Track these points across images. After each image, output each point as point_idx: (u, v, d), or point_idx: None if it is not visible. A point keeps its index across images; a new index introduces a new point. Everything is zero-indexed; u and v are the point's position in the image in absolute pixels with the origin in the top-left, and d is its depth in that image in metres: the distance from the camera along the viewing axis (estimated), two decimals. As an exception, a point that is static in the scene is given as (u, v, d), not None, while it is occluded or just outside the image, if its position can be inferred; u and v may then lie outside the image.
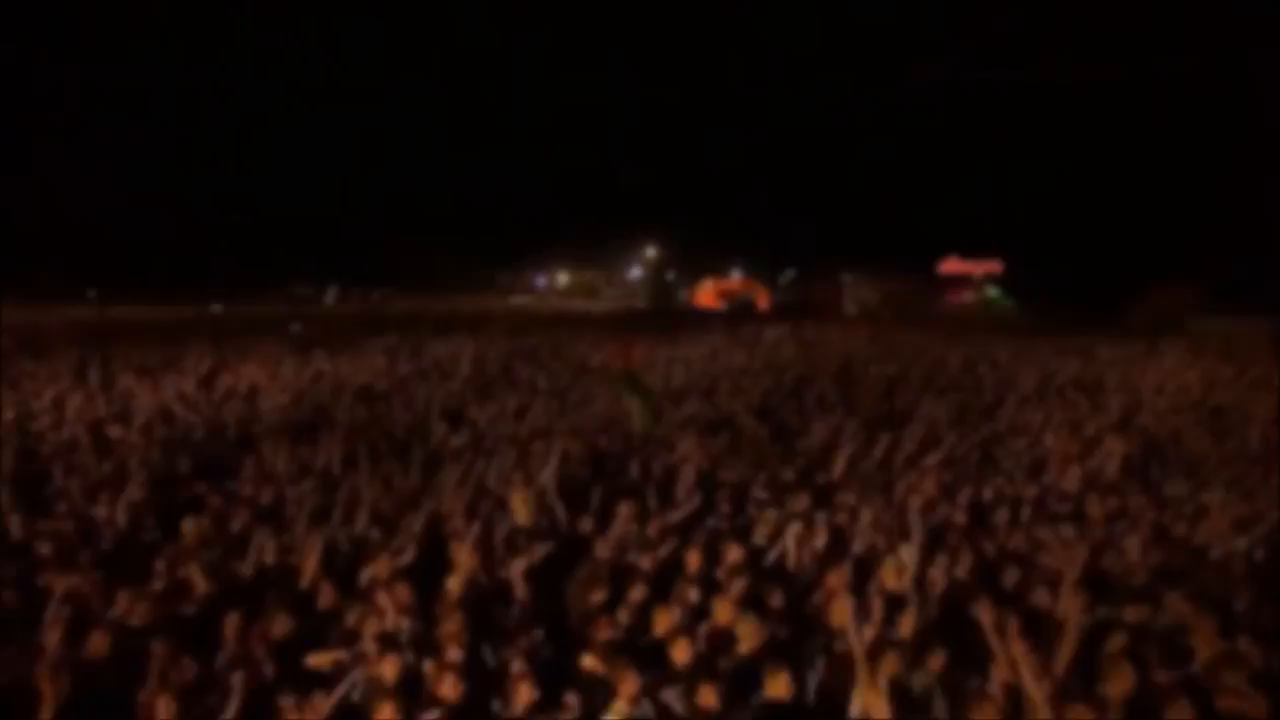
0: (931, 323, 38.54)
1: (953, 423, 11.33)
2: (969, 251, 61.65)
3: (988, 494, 7.63)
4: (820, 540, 6.16)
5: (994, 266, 60.81)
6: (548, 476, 6.96)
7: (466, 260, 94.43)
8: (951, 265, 63.01)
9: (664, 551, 6.08)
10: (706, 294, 69.89)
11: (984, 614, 4.09)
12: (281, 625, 4.53)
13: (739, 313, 53.73)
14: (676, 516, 6.67)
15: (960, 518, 6.90)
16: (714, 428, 10.86)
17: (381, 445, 8.95)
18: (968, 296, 61.48)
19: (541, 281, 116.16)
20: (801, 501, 7.34)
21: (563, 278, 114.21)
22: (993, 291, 61.70)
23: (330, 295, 76.13)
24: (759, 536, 6.78)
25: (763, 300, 67.88)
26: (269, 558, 5.57)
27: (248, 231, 75.96)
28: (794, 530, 5.99)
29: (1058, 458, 9.35)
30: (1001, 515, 7.02)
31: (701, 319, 36.75)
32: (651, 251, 69.31)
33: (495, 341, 21.85)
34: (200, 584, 4.96)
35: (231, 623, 4.40)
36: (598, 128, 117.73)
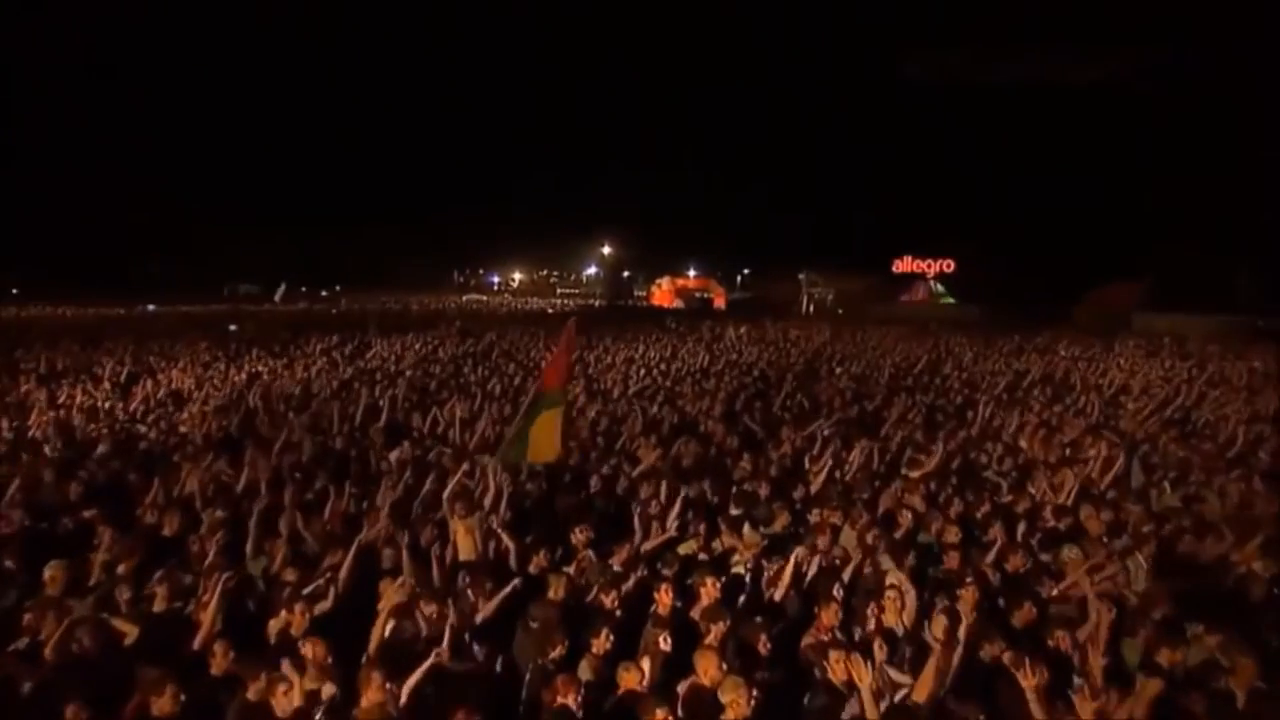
0: (887, 321, 38.54)
1: (926, 426, 10.85)
2: (922, 250, 62.17)
3: (981, 508, 7.05)
4: (809, 568, 5.49)
5: (947, 265, 61.43)
6: (496, 500, 6.15)
7: (420, 258, 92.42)
8: (905, 264, 63.48)
9: (630, 586, 5.35)
10: (663, 292, 69.40)
11: (1024, 678, 3.43)
12: (162, 704, 3.65)
13: (697, 311, 53.36)
14: (643, 545, 5.92)
15: (953, 536, 6.29)
16: (679, 434, 10.17)
17: (312, 462, 8.01)
18: (920, 294, 62.08)
19: (495, 280, 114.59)
20: (780, 519, 6.68)
21: (517, 276, 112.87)
22: (937, 288, 62.42)
23: (279, 294, 73.55)
24: (737, 564, 6.10)
25: (720, 299, 67.63)
26: (159, 606, 4.66)
27: (192, 227, 72.75)
28: (780, 566, 5.32)
29: (1041, 465, 8.90)
30: (995, 532, 6.44)
31: (659, 317, 36.08)
32: (607, 249, 68.31)
33: (446, 341, 20.85)
34: (49, 650, 4.01)
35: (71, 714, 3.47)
36: (553, 125, 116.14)
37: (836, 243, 70.10)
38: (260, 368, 14.99)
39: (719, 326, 27.63)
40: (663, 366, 15.80)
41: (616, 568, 5.59)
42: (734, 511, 6.90)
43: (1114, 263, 53.03)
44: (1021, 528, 6.46)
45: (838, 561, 5.83)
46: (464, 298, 72.24)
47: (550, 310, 48.56)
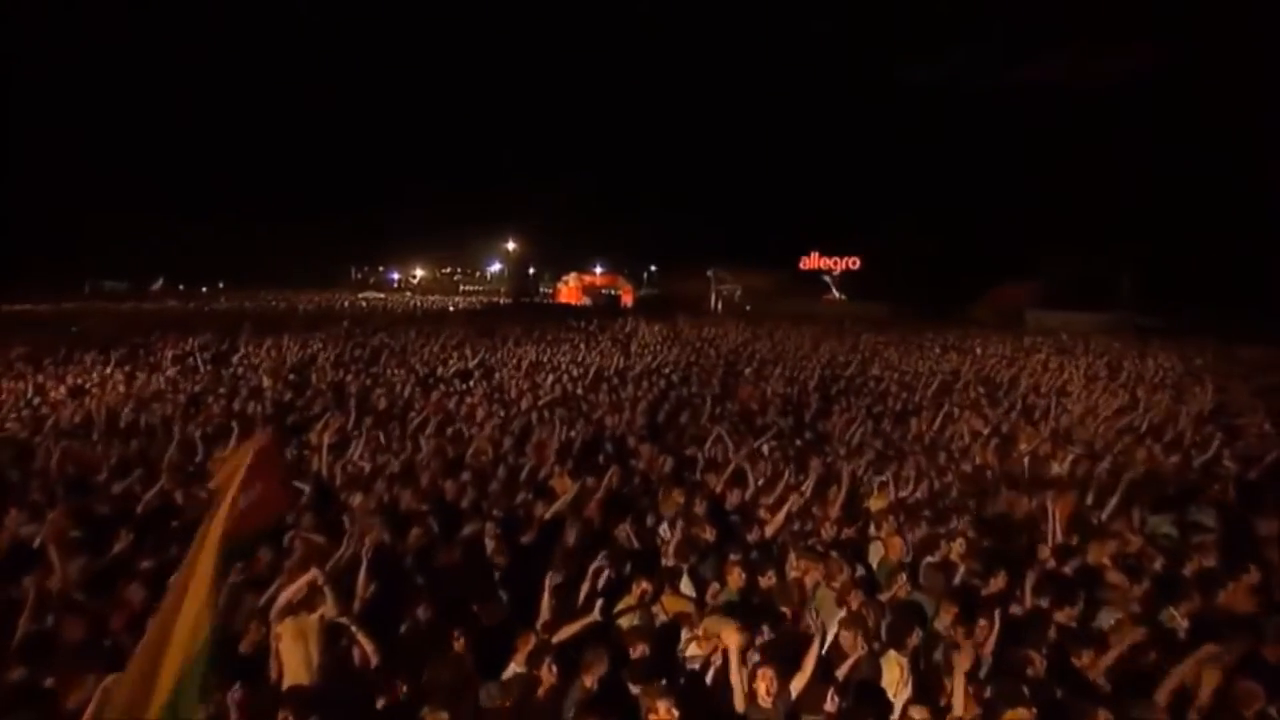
0: (795, 318, 38.17)
1: (873, 436, 9.72)
2: (829, 248, 62.80)
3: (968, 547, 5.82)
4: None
5: (853, 263, 62.22)
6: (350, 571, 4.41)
7: (316, 254, 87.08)
8: (812, 261, 63.97)
9: (543, 696, 3.77)
10: (570, 290, 67.54)
11: None
12: None
13: (605, 309, 51.89)
14: (560, 632, 4.32)
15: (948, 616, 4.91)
16: (596, 454, 8.63)
17: (102, 514, 5.99)
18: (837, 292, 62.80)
19: (395, 277, 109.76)
20: (733, 575, 5.22)
21: (419, 272, 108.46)
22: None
23: (155, 290, 67.28)
24: (686, 646, 4.62)
25: (628, 296, 66.35)
26: None
27: (56, 218, 65.57)
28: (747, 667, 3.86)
29: (1001, 479, 7.88)
30: (998, 584, 5.21)
31: (566, 315, 34.32)
32: (512, 245, 65.85)
33: (332, 342, 18.51)
34: None
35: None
36: (457, 119, 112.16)
37: (743, 239, 70.22)
38: (87, 379, 12.45)
39: (630, 325, 26.17)
40: (574, 371, 14.17)
41: (516, 671, 4.00)
42: (672, 564, 5.43)
43: (1007, 263, 54.93)
44: (1030, 578, 5.21)
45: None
46: (360, 295, 68.22)
47: (452, 308, 45.97)
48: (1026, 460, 8.62)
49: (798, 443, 9.46)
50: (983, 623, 4.57)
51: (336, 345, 17.67)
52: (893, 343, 22.69)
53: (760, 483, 7.24)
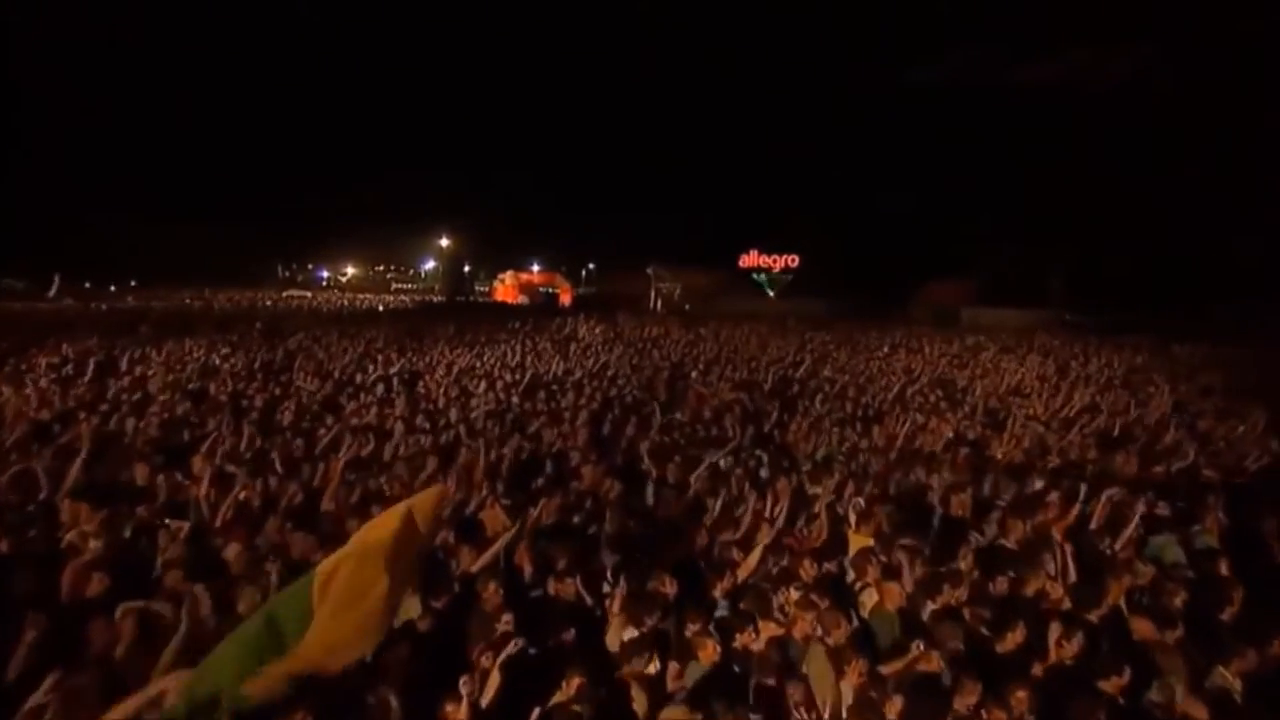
0: (738, 316, 37.67)
1: (841, 448, 8.91)
2: (768, 246, 62.73)
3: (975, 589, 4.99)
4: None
5: (791, 260, 62.29)
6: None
7: (239, 250, 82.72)
8: (751, 259, 63.82)
9: None
10: (507, 288, 65.80)
11: None
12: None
13: (543, 308, 50.59)
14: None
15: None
16: (534, 476, 7.56)
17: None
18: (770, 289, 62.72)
19: (325, 274, 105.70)
20: (706, 650, 4.23)
21: (350, 270, 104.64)
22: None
23: (53, 289, 62.51)
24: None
25: (566, 295, 65.05)
26: None
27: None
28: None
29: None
30: (1016, 637, 4.38)
31: (503, 314, 32.94)
32: (445, 242, 63.72)
33: (241, 347, 16.82)
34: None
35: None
36: (392, 113, 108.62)
37: (682, 237, 69.80)
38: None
39: (569, 325, 25.02)
40: (508, 377, 12.99)
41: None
42: (628, 636, 4.40)
43: (942, 261, 55.86)
44: (1055, 631, 4.38)
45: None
46: (284, 294, 65.03)
47: (382, 308, 43.95)
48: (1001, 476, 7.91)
49: (759, 455, 8.59)
50: (1019, 694, 3.72)
51: (246, 349, 16.04)
52: (839, 342, 22.20)
53: (721, 510, 6.29)
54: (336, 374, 13.02)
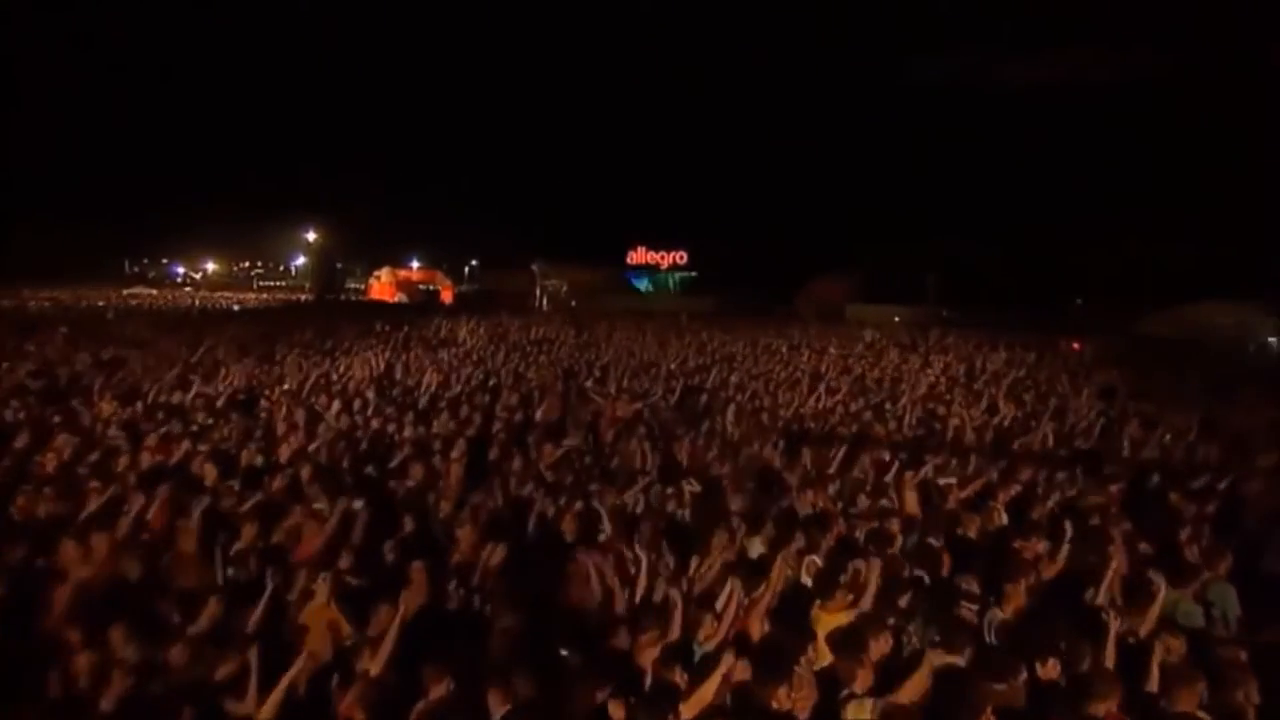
0: (629, 314, 36.38)
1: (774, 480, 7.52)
2: (656, 242, 61.97)
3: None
4: None
5: (680, 257, 61.79)
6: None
7: (83, 245, 73.75)
8: (639, 255, 62.90)
9: None
10: (383, 286, 61.72)
11: None
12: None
13: (422, 306, 47.51)
14: None
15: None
16: (391, 533, 5.75)
17: None
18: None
19: (180, 271, 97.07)
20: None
21: (210, 266, 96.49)
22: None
23: None
24: None
25: (448, 293, 61.81)
26: None
27: None
28: None
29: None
30: None
31: (375, 315, 30.00)
32: (312, 236, 58.97)
33: (32, 359, 13.77)
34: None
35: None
36: (256, 97, 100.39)
37: (568, 233, 68.13)
38: None
39: (449, 326, 22.67)
40: (370, 395, 10.86)
41: None
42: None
43: (825, 257, 56.80)
44: None
45: None
46: (126, 292, 58.37)
47: (237, 307, 39.76)
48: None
49: (676, 492, 7.08)
50: None
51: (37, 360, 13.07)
52: (737, 341, 21.13)
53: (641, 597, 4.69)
54: (150, 394, 10.48)
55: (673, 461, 8.26)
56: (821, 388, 12.20)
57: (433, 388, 11.41)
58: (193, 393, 10.42)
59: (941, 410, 11.41)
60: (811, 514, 6.34)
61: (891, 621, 4.31)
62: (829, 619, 4.42)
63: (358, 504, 6.08)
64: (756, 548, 5.98)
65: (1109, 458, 8.85)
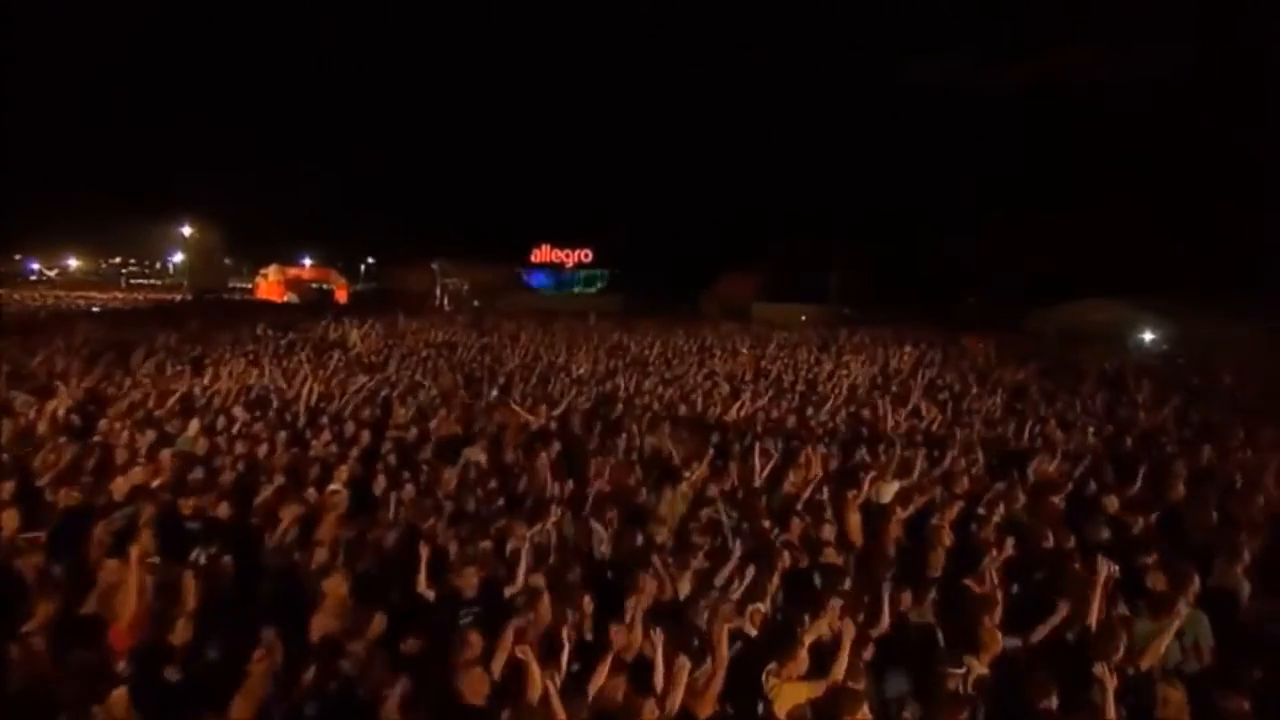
0: (533, 314, 35.24)
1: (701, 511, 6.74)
2: (560, 240, 60.79)
3: None
4: None
5: (585, 255, 60.82)
6: None
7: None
8: (544, 254, 61.55)
9: None
10: (271, 285, 57.88)
11: None
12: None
13: (313, 307, 44.66)
14: None
15: None
16: (250, 604, 4.62)
17: None
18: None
19: (35, 267, 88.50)
20: None
21: (73, 262, 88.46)
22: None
23: None
24: None
25: (342, 292, 58.64)
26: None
27: None
28: None
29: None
30: None
31: (260, 315, 27.61)
32: (188, 231, 54.59)
33: None
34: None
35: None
36: (125, 79, 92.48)
37: (470, 230, 66.14)
38: None
39: (340, 329, 20.93)
40: (238, 413, 9.43)
41: None
42: None
43: (731, 255, 57.16)
44: None
45: None
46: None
47: (96, 308, 36.11)
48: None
49: (593, 528, 6.22)
50: None
51: None
52: (647, 343, 20.41)
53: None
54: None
55: (584, 487, 7.37)
56: (745, 396, 11.52)
57: (314, 401, 10.07)
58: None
59: (866, 414, 11.02)
60: (751, 548, 5.59)
61: (867, 693, 3.58)
62: (790, 692, 3.65)
63: (203, 555, 4.92)
64: (689, 590, 5.22)
65: (1036, 462, 8.56)
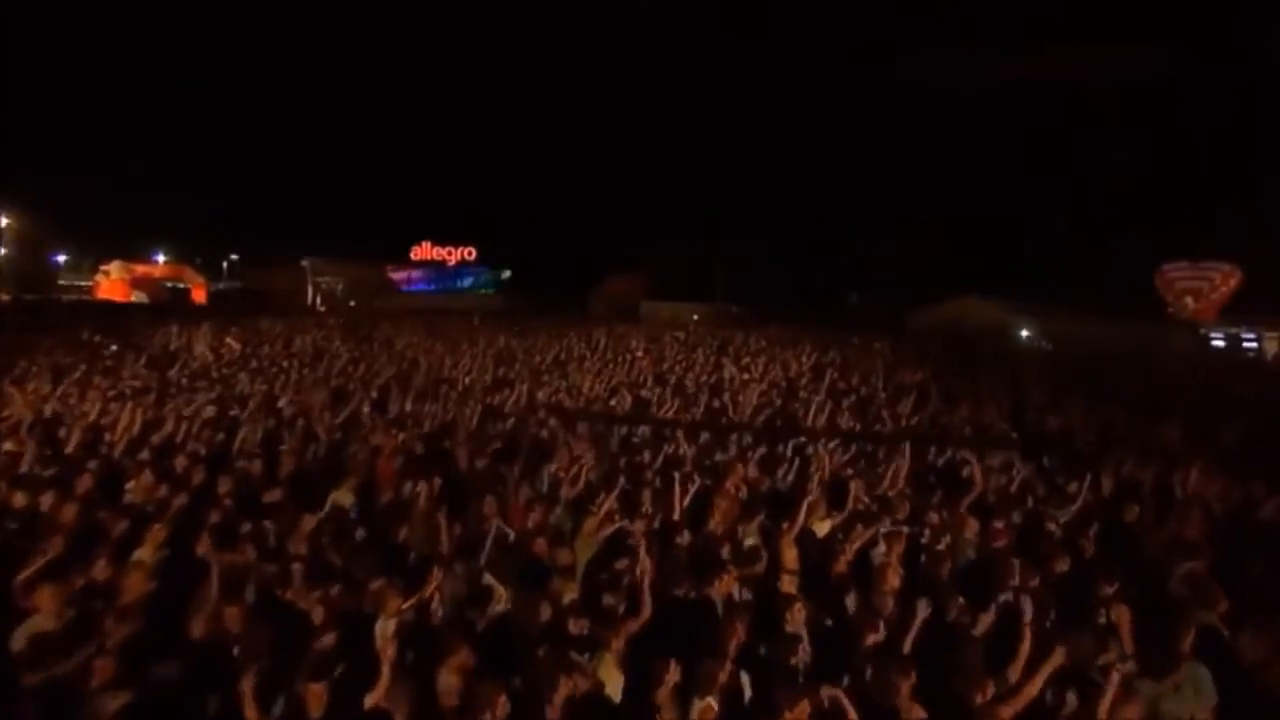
0: (415, 315, 33.19)
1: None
2: (442, 237, 58.31)
3: None
4: None
5: (469, 253, 58.60)
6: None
7: None
8: (424, 252, 58.85)
9: None
10: (114, 283, 52.07)
11: None
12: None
13: (166, 308, 40.37)
14: None
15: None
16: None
17: None
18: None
19: None
20: None
21: None
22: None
23: None
24: None
25: (199, 291, 53.66)
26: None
27: None
28: None
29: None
30: None
31: (93, 319, 24.11)
32: (4, 221, 48.21)
33: None
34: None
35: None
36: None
37: (346, 225, 62.40)
38: None
39: (185, 335, 18.21)
40: (31, 447, 7.50)
41: None
42: None
43: (617, 255, 56.58)
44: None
45: None
46: None
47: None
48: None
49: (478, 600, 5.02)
50: None
51: None
52: (538, 347, 19.12)
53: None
54: None
55: (480, 523, 6.12)
56: (652, 408, 10.46)
57: (134, 431, 8.20)
58: None
59: (779, 422, 10.24)
60: (689, 616, 4.53)
61: None
62: None
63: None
64: (613, 676, 4.12)
65: (966, 478, 7.97)
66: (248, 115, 72.11)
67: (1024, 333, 30.36)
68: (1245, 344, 33.95)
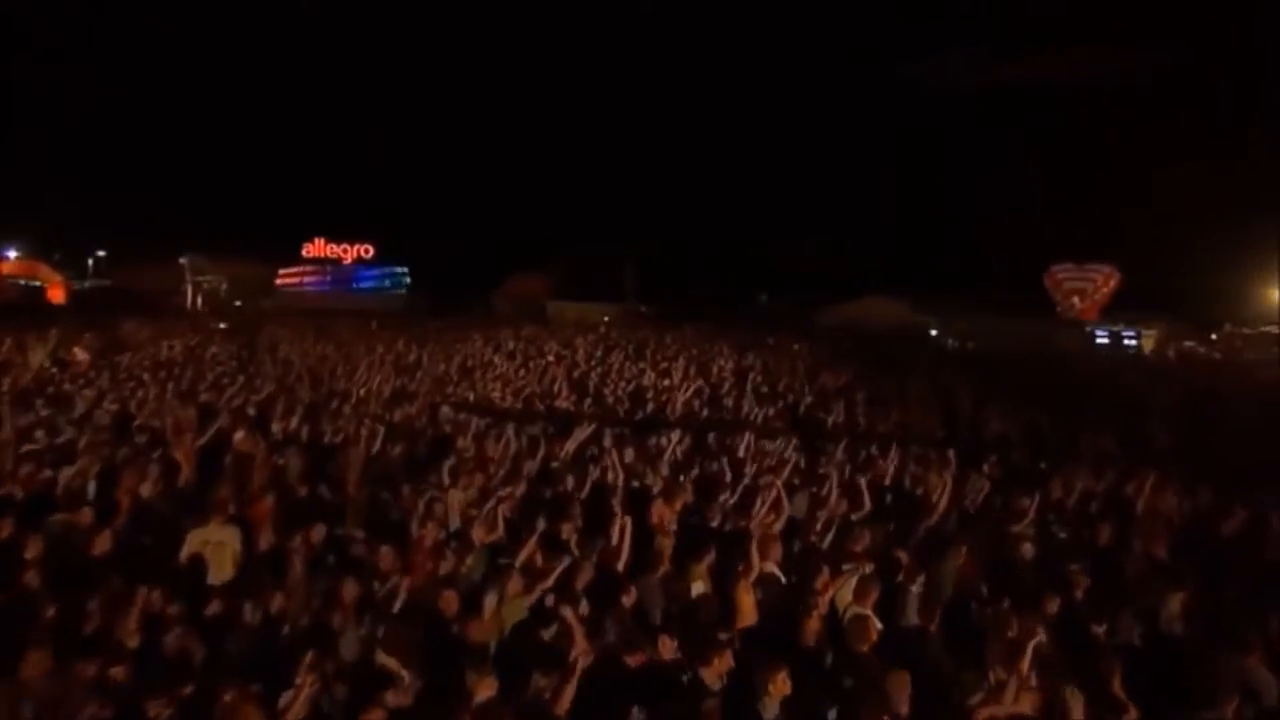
0: (305, 316, 30.98)
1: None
2: (338, 233, 55.28)
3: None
4: None
5: (365, 250, 55.82)
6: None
7: None
8: (317, 249, 55.64)
9: None
10: (-48, 283, 46.55)
11: None
12: None
13: (14, 309, 36.17)
14: None
15: None
16: None
17: None
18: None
19: None
20: None
21: None
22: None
23: None
24: None
25: (57, 291, 48.64)
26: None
27: None
28: None
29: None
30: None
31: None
32: None
33: None
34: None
35: None
36: None
37: (229, 220, 58.27)
38: None
39: (8, 345, 15.23)
40: None
41: None
42: None
43: (521, 253, 55.21)
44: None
45: None
46: None
47: None
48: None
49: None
50: None
51: None
52: (441, 353, 17.69)
53: None
54: None
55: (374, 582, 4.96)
56: (576, 429, 9.31)
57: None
58: None
59: (712, 440, 9.40)
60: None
61: None
62: None
63: None
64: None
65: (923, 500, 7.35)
66: (120, 98, 66.28)
67: (933, 331, 31.04)
68: (1126, 340, 35.94)
